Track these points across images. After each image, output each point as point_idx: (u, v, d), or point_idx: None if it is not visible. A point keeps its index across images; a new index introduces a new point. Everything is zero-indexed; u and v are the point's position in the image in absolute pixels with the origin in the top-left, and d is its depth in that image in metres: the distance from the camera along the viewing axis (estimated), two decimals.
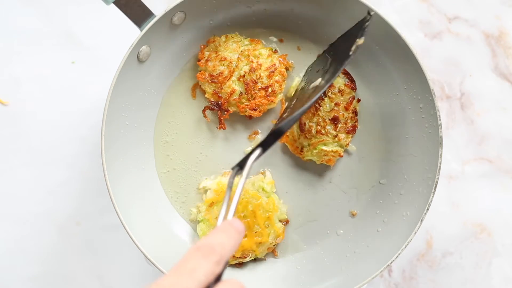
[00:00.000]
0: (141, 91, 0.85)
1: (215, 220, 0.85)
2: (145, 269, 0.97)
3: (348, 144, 0.87)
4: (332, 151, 0.86)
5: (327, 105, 0.86)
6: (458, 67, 1.00)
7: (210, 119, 0.89)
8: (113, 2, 0.74)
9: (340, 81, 0.87)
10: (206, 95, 0.87)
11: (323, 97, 0.85)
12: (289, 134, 0.88)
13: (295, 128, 0.87)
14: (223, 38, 0.87)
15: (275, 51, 0.89)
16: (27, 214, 0.97)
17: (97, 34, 0.99)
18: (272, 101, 0.86)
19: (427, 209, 0.80)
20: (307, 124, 0.86)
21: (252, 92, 0.85)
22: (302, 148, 0.87)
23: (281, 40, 0.90)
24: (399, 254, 0.80)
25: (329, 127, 0.86)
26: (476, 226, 0.98)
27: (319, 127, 0.86)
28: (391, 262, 0.80)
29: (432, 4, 1.01)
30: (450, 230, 0.98)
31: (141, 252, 0.79)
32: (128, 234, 0.79)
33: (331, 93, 0.86)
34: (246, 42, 0.87)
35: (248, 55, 0.86)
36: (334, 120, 0.85)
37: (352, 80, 0.87)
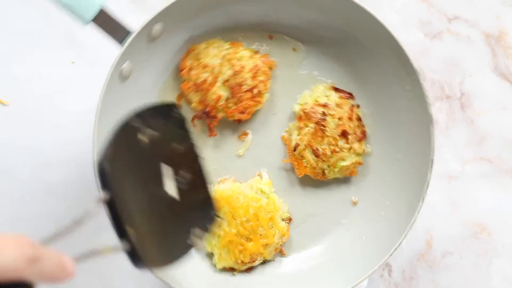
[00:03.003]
0: (127, 108, 0.83)
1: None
2: None
3: (364, 151, 0.87)
4: (352, 163, 0.86)
5: (331, 123, 0.85)
6: (458, 67, 1.00)
7: (198, 128, 0.88)
8: (92, 20, 0.75)
9: (332, 98, 0.86)
10: (192, 105, 0.86)
11: (324, 117, 0.85)
12: (306, 164, 0.87)
13: (310, 156, 0.86)
14: (203, 45, 0.86)
15: (256, 52, 0.88)
16: (27, 214, 0.97)
17: (97, 34, 0.99)
18: (259, 102, 0.86)
19: (427, 187, 0.80)
20: (319, 148, 0.85)
21: (238, 95, 0.85)
22: (323, 172, 0.87)
23: (270, 37, 0.89)
24: (406, 234, 0.80)
25: (341, 142, 0.85)
26: (476, 226, 0.98)
27: (332, 147, 0.85)
28: (399, 244, 0.80)
29: (432, 4, 1.01)
30: (450, 230, 0.98)
31: None
32: None
33: (331, 111, 0.85)
34: (227, 46, 0.86)
35: (230, 59, 0.85)
36: (344, 134, 0.85)
37: (345, 92, 0.87)
